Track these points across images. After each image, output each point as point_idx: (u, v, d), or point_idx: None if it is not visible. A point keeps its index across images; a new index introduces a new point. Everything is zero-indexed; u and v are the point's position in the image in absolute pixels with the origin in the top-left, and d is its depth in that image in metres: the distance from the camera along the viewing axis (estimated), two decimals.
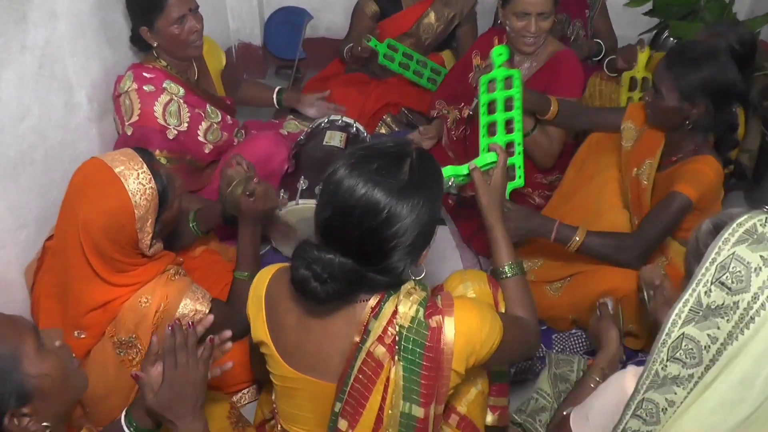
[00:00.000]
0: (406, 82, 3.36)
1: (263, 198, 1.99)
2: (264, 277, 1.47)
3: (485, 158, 1.70)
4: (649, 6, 3.68)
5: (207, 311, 1.75)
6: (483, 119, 2.11)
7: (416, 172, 1.29)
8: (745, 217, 1.26)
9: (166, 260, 1.83)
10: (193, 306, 1.76)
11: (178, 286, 1.77)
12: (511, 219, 1.97)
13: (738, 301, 1.20)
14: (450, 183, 1.74)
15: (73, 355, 1.34)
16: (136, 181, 1.62)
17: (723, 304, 1.22)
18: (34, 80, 1.98)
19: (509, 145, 2.05)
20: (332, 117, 2.75)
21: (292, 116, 2.96)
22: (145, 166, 1.66)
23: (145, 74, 2.29)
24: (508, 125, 2.08)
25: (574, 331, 2.32)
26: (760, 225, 1.25)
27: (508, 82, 2.14)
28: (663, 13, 3.61)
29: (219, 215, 2.10)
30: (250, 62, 3.87)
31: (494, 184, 1.67)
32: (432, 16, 3.35)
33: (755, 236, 1.23)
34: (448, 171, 1.70)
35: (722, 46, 2.02)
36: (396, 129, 3.28)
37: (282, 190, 2.39)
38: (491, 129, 2.10)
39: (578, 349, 2.28)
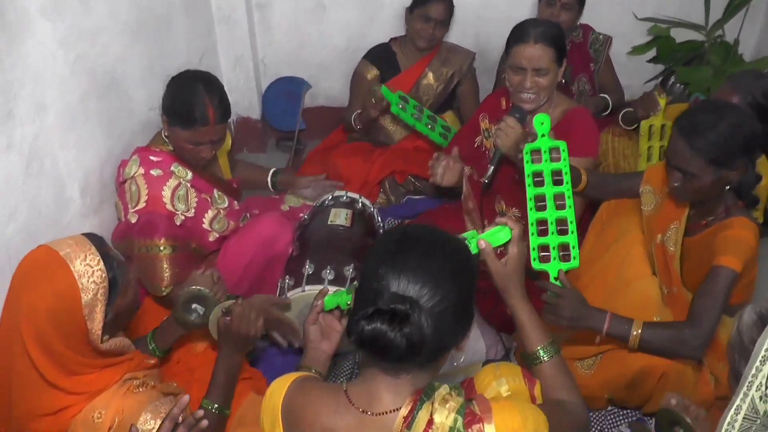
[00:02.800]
0: (411, 149, 3.28)
1: (239, 319, 1.81)
2: (281, 387, 1.35)
3: (498, 239, 1.51)
4: (652, 53, 3.64)
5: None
6: (530, 191, 1.93)
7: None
8: None
9: (126, 366, 1.62)
10: (154, 424, 1.52)
11: (138, 398, 1.55)
12: (565, 307, 1.80)
13: None
14: None
15: None
16: (83, 263, 1.48)
17: None
18: (22, 179, 1.89)
19: (561, 222, 1.87)
20: (336, 193, 2.66)
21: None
22: (93, 248, 1.51)
23: (151, 158, 2.20)
24: (557, 200, 1.91)
25: (610, 408, 2.18)
26: None
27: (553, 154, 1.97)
28: (667, 60, 3.57)
29: (180, 327, 1.93)
30: (249, 136, 3.80)
31: (511, 265, 1.50)
32: (430, 77, 3.31)
33: None
34: None
35: (733, 100, 1.91)
36: (392, 198, 3.17)
37: (287, 276, 2.28)
38: (538, 202, 1.92)
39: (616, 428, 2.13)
